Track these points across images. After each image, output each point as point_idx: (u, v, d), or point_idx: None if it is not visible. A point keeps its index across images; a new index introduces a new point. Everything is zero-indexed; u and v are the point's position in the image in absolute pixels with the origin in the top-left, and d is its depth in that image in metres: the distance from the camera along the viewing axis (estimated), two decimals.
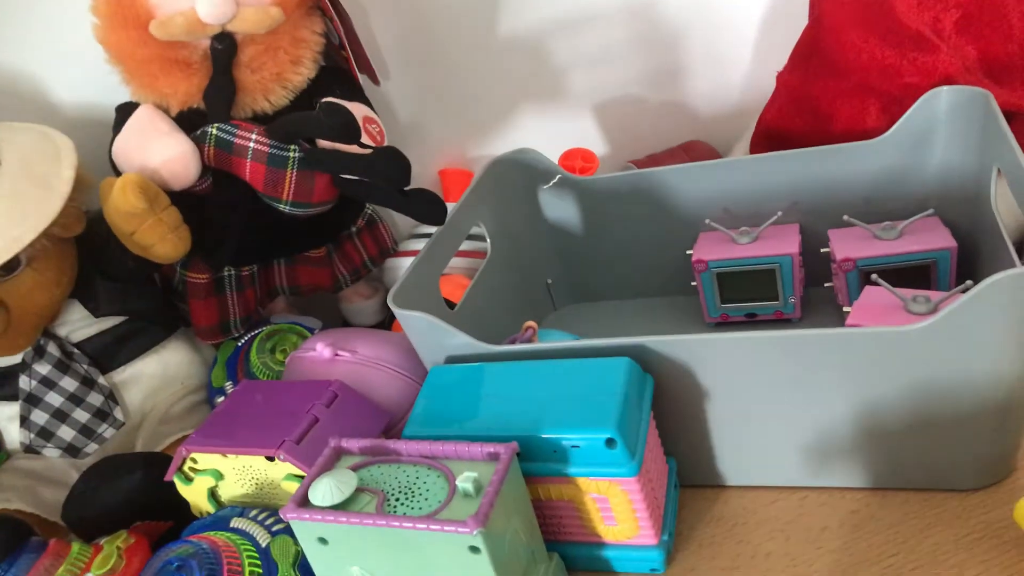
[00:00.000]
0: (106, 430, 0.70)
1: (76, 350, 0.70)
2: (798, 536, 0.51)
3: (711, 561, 0.52)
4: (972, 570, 0.46)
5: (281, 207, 0.68)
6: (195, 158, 0.66)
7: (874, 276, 0.57)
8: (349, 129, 0.60)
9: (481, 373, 0.55)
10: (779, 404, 0.52)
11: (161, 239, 0.65)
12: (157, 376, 0.74)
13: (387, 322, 0.87)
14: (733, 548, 0.52)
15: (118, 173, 0.68)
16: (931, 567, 0.47)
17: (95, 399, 0.70)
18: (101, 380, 0.71)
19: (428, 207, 0.64)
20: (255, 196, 0.69)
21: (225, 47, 0.67)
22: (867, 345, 0.48)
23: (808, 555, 0.50)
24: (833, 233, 0.67)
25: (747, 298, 0.70)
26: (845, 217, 0.66)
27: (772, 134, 0.79)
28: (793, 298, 0.68)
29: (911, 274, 0.62)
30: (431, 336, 0.58)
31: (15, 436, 0.69)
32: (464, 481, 0.45)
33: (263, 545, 0.53)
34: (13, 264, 0.63)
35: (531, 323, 0.64)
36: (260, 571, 0.51)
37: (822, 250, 0.68)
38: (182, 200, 0.67)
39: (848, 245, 0.65)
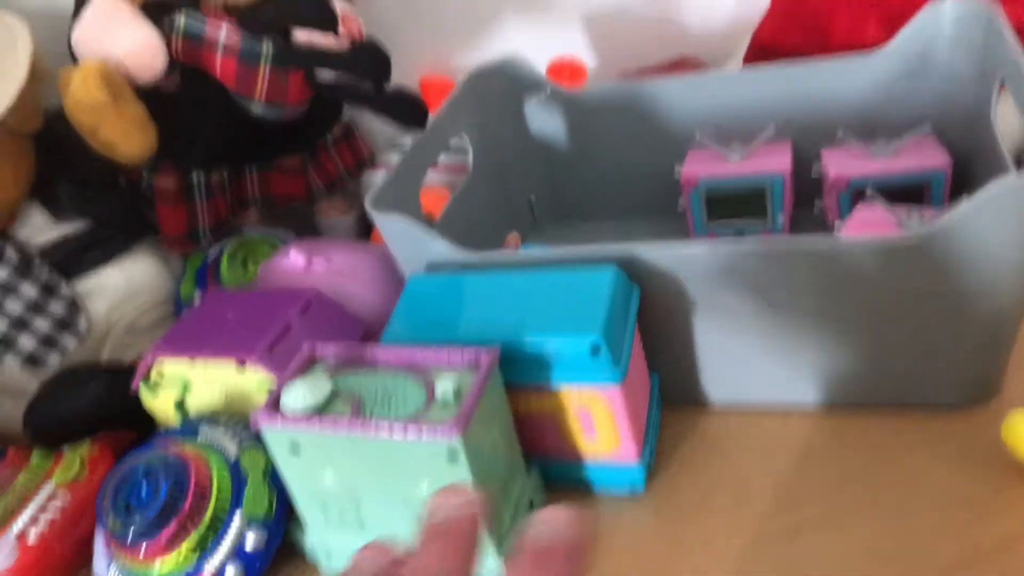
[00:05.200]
0: (69, 341, 0.67)
1: (36, 256, 0.67)
2: (781, 456, 0.51)
3: (693, 480, 0.51)
4: (956, 488, 0.46)
5: (253, 107, 0.65)
6: (162, 49, 0.62)
7: (869, 191, 0.56)
8: (326, 14, 0.57)
9: (462, 282, 0.53)
10: (766, 318, 0.50)
11: (126, 136, 0.61)
12: (122, 286, 0.71)
13: (363, 239, 0.84)
14: (715, 468, 0.51)
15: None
16: (914, 485, 0.46)
17: (57, 308, 0.67)
18: (64, 288, 0.68)
19: (408, 108, 0.61)
20: (226, 95, 0.65)
21: None
22: (860, 256, 0.46)
23: (792, 474, 0.49)
24: (826, 151, 0.65)
25: (735, 216, 0.68)
26: (840, 133, 0.64)
27: (767, 50, 0.76)
28: (782, 217, 0.66)
29: (905, 193, 0.60)
30: (411, 242, 0.55)
31: None
32: (444, 386, 0.43)
33: (232, 456, 0.51)
34: None
35: (514, 235, 0.62)
36: (229, 482, 0.50)
37: (814, 168, 0.66)
38: (149, 97, 0.63)
39: (841, 163, 0.63)
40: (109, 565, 0.49)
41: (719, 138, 0.69)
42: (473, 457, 0.42)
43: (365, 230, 0.85)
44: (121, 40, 0.62)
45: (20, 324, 0.65)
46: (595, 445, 0.50)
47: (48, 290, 0.67)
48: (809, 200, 0.68)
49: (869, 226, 0.54)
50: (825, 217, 0.66)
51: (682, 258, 0.49)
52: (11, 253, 0.66)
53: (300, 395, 0.45)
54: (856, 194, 0.61)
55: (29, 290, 0.66)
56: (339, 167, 0.80)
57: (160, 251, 0.75)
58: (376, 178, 0.82)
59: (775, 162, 0.65)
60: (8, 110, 0.58)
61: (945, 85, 0.62)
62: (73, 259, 0.69)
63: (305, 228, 0.85)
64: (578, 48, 0.88)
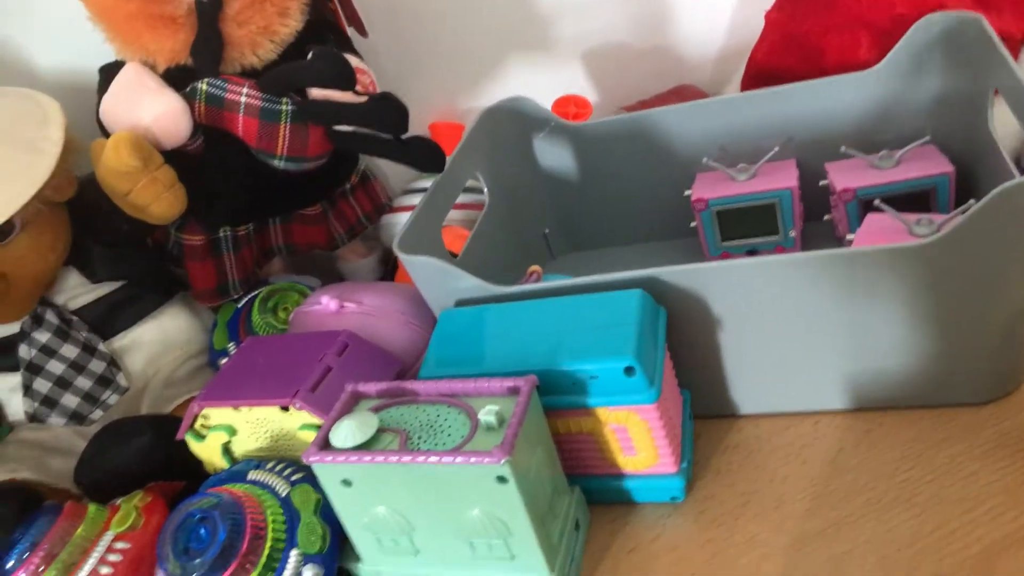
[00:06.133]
0: (110, 396, 0.69)
1: (75, 317, 0.70)
2: (815, 458, 0.52)
3: (730, 488, 0.52)
4: (987, 478, 0.47)
5: (275, 162, 0.67)
6: (186, 114, 0.65)
7: (877, 201, 0.58)
8: (344, 74, 0.59)
9: (492, 314, 0.55)
10: (789, 329, 0.52)
11: (156, 198, 0.63)
12: (157, 341, 0.74)
13: (386, 280, 0.87)
14: (751, 474, 0.53)
15: (107, 135, 0.67)
16: (947, 478, 0.48)
17: (97, 366, 0.69)
18: (101, 347, 0.70)
19: (427, 155, 0.64)
20: (248, 153, 0.68)
21: (210, 0, 0.65)
22: (876, 264, 0.48)
23: (826, 475, 0.51)
24: (830, 165, 0.68)
25: (747, 234, 0.70)
26: (843, 148, 0.66)
27: (763, 74, 0.78)
28: (793, 232, 0.68)
29: (911, 201, 0.62)
30: (440, 280, 0.57)
31: (17, 407, 0.68)
32: (486, 414, 0.45)
33: (283, 495, 0.53)
34: (7, 229, 0.62)
35: (535, 267, 0.64)
36: (282, 520, 0.51)
37: (820, 183, 0.68)
38: (173, 161, 0.66)
39: (846, 175, 0.65)
40: None
41: (725, 160, 0.71)
42: (521, 480, 0.44)
43: (386, 271, 0.87)
44: (147, 108, 0.65)
45: (63, 384, 0.67)
46: (635, 460, 0.51)
47: (88, 349, 0.69)
48: (818, 216, 0.70)
49: (880, 235, 0.56)
50: (835, 229, 0.68)
51: (704, 278, 0.51)
52: (51, 317, 0.68)
53: (349, 433, 0.46)
54: (863, 204, 0.63)
55: (69, 351, 0.68)
56: (358, 213, 0.82)
57: (191, 305, 0.77)
58: (393, 221, 0.85)
59: (782, 179, 0.67)
60: (46, 182, 0.60)
61: (940, 96, 0.65)
62: (109, 318, 0.72)
63: (328, 272, 0.88)
64: (579, 86, 0.91)
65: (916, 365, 0.52)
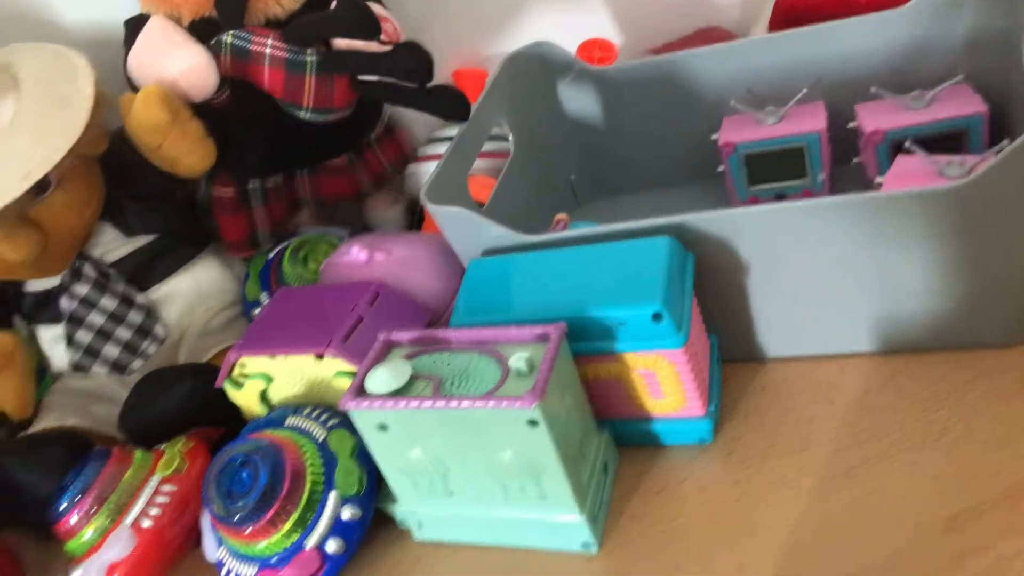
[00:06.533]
0: (149, 346, 0.71)
1: (112, 270, 0.71)
2: (842, 400, 0.53)
3: (758, 429, 0.53)
4: (1014, 419, 0.47)
5: (301, 114, 0.68)
6: (212, 68, 0.65)
7: (908, 143, 0.57)
8: (369, 23, 0.59)
9: (521, 263, 0.56)
10: (817, 273, 0.52)
11: (187, 152, 0.64)
12: (191, 293, 0.75)
13: (413, 229, 0.87)
14: (778, 416, 0.53)
15: (135, 89, 0.68)
16: (973, 419, 0.48)
17: (135, 317, 0.71)
18: (139, 298, 0.72)
19: (452, 103, 0.64)
20: (275, 105, 0.68)
21: None
22: (906, 208, 0.48)
23: (853, 416, 0.51)
24: (860, 107, 0.66)
25: (775, 178, 0.69)
26: (873, 89, 0.65)
27: (791, 14, 0.77)
28: (822, 175, 0.68)
29: (943, 142, 0.61)
30: (468, 230, 0.58)
31: (61, 357, 0.71)
32: (517, 361, 0.46)
33: (320, 440, 0.54)
34: (44, 185, 0.63)
35: (562, 215, 0.64)
36: (320, 464, 0.53)
37: (849, 125, 0.67)
38: (201, 114, 0.66)
39: (876, 117, 0.64)
40: (219, 546, 0.53)
41: (753, 103, 0.71)
42: (551, 423, 0.45)
43: (413, 221, 0.88)
44: (174, 62, 0.65)
45: (104, 334, 0.69)
46: (663, 404, 0.52)
47: (126, 301, 0.71)
48: (847, 159, 0.69)
49: (909, 178, 0.56)
50: (864, 172, 0.67)
51: (732, 224, 0.51)
52: (89, 270, 0.70)
53: (384, 379, 0.48)
54: (893, 147, 0.63)
55: (109, 303, 0.70)
56: (384, 163, 0.83)
57: (223, 256, 0.78)
58: (419, 170, 0.85)
59: (810, 122, 0.67)
60: (80, 137, 0.61)
61: (974, 34, 0.63)
62: (145, 270, 0.73)
63: (355, 223, 0.88)
64: (602, 29, 0.89)
65: (944, 308, 0.52)
